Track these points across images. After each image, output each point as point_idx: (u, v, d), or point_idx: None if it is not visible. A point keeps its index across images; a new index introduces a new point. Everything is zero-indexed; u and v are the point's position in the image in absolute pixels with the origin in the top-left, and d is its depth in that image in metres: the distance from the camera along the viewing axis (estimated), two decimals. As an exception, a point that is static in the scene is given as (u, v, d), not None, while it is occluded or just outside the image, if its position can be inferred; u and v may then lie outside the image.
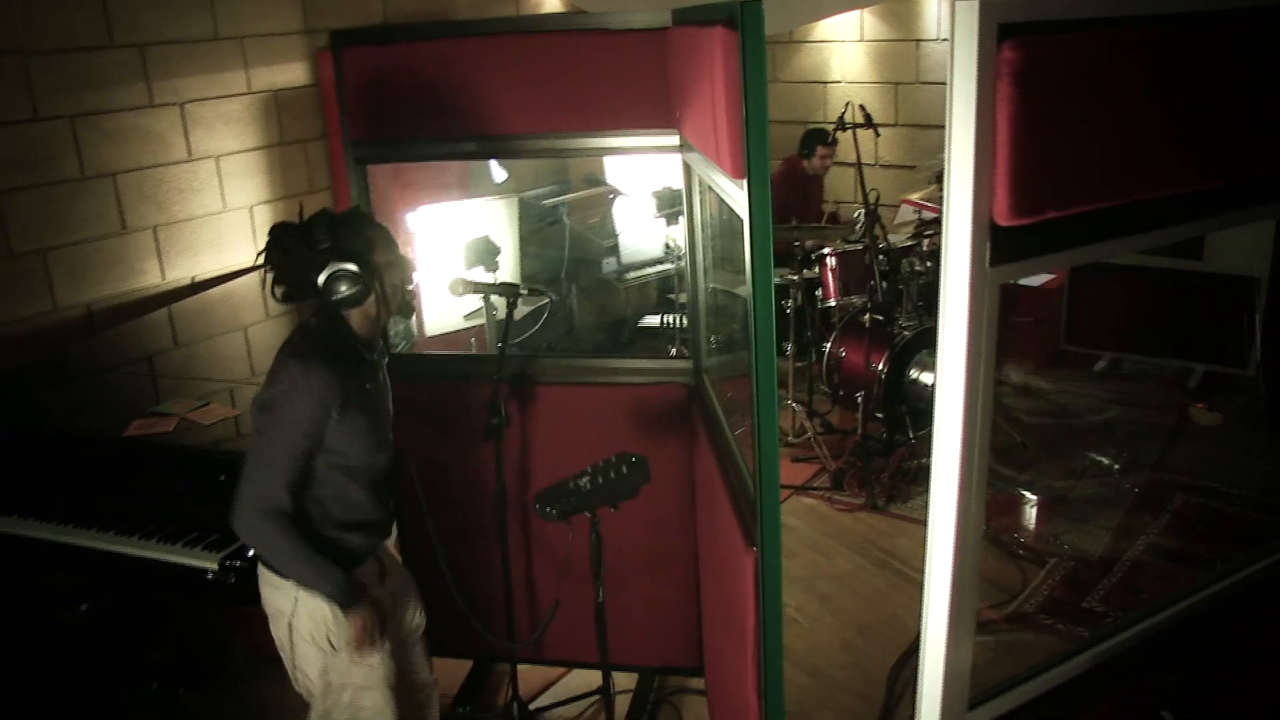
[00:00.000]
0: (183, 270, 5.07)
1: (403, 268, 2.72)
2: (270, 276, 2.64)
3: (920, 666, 1.76)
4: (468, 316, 5.08)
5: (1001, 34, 1.50)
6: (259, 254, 2.65)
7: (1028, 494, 4.55)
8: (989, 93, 1.51)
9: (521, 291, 3.14)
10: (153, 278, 4.96)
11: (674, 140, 3.21)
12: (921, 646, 1.75)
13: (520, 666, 3.64)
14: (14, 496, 3.49)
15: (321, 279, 2.57)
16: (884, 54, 7.74)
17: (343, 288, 2.57)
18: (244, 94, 5.23)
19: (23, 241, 4.45)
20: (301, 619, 2.70)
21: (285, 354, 2.60)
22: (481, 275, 4.25)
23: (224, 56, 5.14)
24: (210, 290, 5.03)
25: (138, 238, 4.89)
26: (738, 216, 3.62)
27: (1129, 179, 1.65)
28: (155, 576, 3.25)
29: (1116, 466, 5.06)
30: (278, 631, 2.78)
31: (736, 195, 2.22)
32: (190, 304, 4.86)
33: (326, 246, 2.58)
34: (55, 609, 3.49)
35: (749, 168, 2.08)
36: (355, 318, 2.67)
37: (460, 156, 3.79)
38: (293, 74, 5.44)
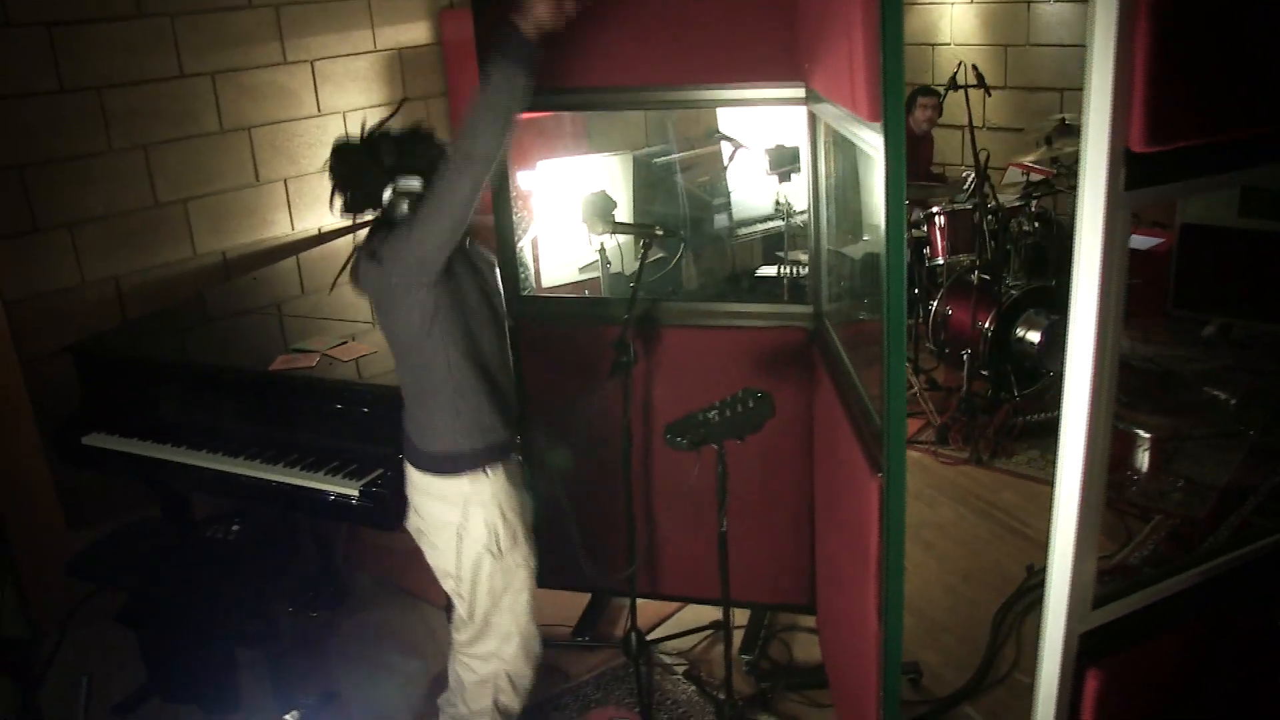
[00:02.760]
0: (310, 221, 5.32)
1: None
2: (335, 190, 2.74)
3: (1050, 564, 1.88)
4: (583, 269, 5.23)
5: (1141, -26, 1.60)
6: (324, 165, 2.75)
7: (1141, 432, 4.51)
8: (1129, 25, 1.61)
9: (657, 232, 3.26)
10: (283, 228, 5.21)
11: (800, 92, 3.31)
12: (1051, 545, 1.87)
13: (638, 601, 3.79)
14: (170, 425, 3.75)
15: (387, 195, 2.69)
16: (994, 15, 7.70)
17: (404, 206, 2.70)
18: (370, 52, 5.44)
19: (167, 191, 4.72)
20: (471, 527, 2.87)
21: (376, 252, 2.72)
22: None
23: (352, 16, 5.35)
24: (335, 240, 5.26)
25: (270, 189, 5.14)
26: (853, 176, 3.75)
27: (1259, 112, 1.74)
28: (302, 502, 3.47)
29: (1233, 401, 5.00)
30: (442, 540, 2.92)
31: (871, 139, 2.33)
32: (318, 253, 5.08)
33: (392, 163, 2.69)
34: (209, 526, 3.73)
35: (885, 109, 2.19)
36: None
37: (593, 106, 3.93)
38: (416, 33, 5.63)
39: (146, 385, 3.87)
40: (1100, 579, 1.98)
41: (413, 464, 2.95)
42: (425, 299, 2.72)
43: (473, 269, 2.85)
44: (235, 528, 3.68)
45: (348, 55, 5.34)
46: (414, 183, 2.70)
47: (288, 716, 2.26)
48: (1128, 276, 1.77)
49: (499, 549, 2.91)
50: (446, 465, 2.87)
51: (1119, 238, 1.68)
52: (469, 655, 3.10)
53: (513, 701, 3.16)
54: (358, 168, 2.71)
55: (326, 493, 3.40)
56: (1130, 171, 1.66)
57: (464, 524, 2.88)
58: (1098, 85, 1.64)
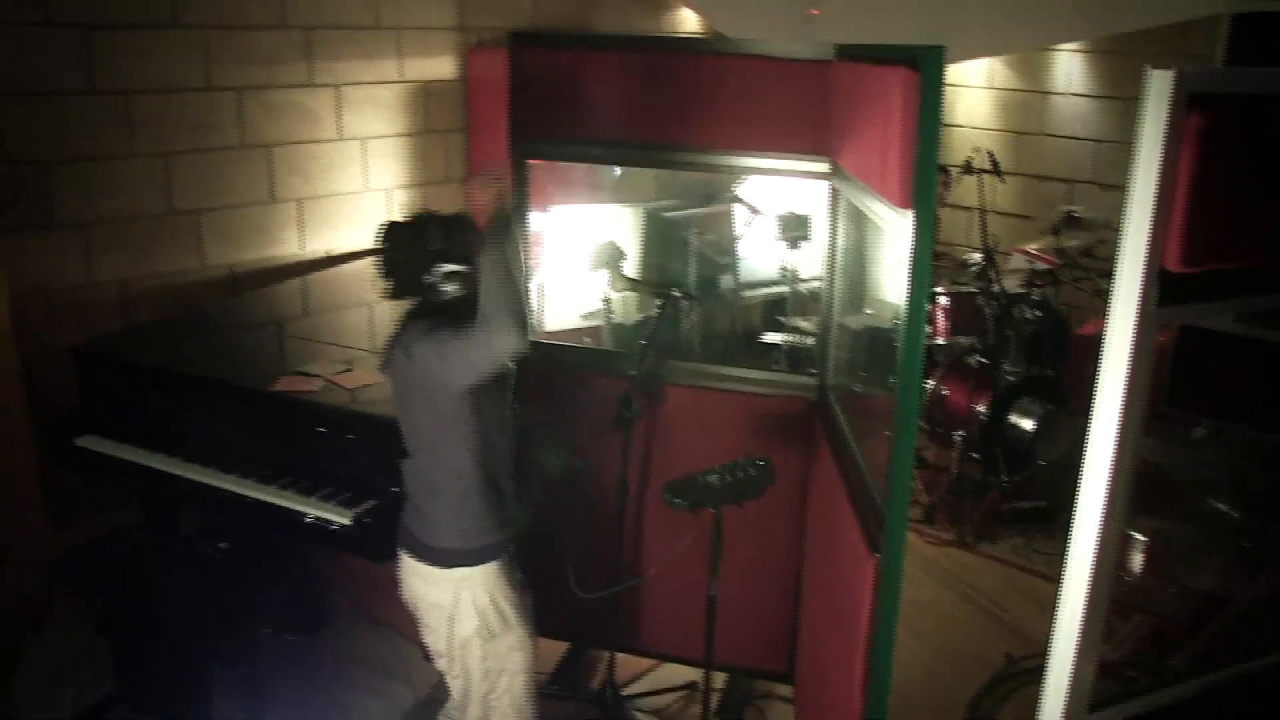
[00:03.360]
0: (319, 243, 5.33)
1: None
2: (382, 272, 2.81)
3: (1047, 665, 1.90)
4: (585, 317, 5.26)
5: (1190, 102, 1.65)
6: (379, 247, 2.80)
7: (1136, 535, 4.53)
8: (1174, 152, 1.65)
9: (675, 294, 3.29)
10: (292, 247, 5.22)
11: (825, 166, 3.35)
12: (1051, 646, 1.89)
13: (616, 656, 3.79)
14: (166, 436, 3.73)
15: (432, 279, 2.74)
16: (1010, 102, 7.81)
17: (450, 287, 2.75)
18: (395, 82, 5.48)
19: (183, 200, 4.73)
20: (461, 611, 2.87)
21: (426, 336, 2.71)
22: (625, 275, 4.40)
23: (381, 44, 5.40)
24: (343, 265, 5.28)
25: (282, 208, 5.15)
26: (866, 249, 3.80)
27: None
28: (292, 525, 3.45)
29: (1236, 514, 5.03)
30: (435, 623, 2.93)
31: (898, 223, 2.37)
32: (323, 275, 5.10)
33: (438, 248, 2.74)
34: (196, 540, 3.72)
35: (916, 198, 2.23)
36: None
37: (619, 161, 3.98)
38: (442, 67, 5.68)
39: (146, 393, 3.87)
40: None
41: (406, 548, 2.96)
42: (452, 405, 2.74)
43: (503, 380, 2.87)
44: (222, 545, 3.67)
45: (373, 83, 5.38)
46: (457, 268, 2.73)
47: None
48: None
49: (490, 632, 2.90)
50: (439, 558, 2.87)
51: (1146, 352, 1.72)
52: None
53: None
54: (407, 251, 2.75)
55: (316, 518, 3.39)
56: (1163, 290, 1.71)
57: (455, 607, 2.87)
58: (1139, 204, 1.68)
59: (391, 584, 3.07)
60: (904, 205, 2.30)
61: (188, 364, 3.99)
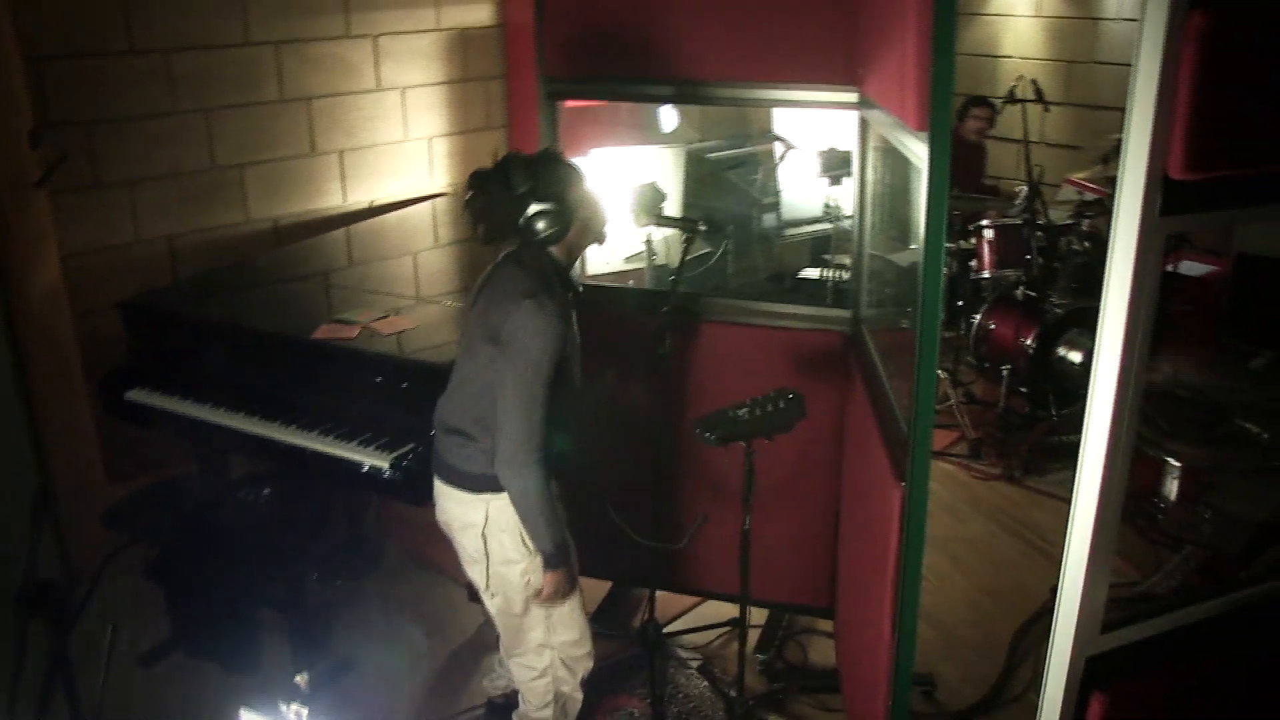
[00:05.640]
0: (362, 194, 5.37)
1: (595, 201, 2.91)
2: (474, 220, 2.82)
3: (1061, 586, 1.89)
4: (628, 260, 5.25)
5: (1192, 3, 1.60)
6: (466, 197, 2.81)
7: (1171, 460, 4.46)
8: (1174, 55, 1.61)
9: (700, 227, 3.27)
10: (335, 199, 5.27)
11: (853, 97, 3.31)
12: (1064, 566, 1.88)
13: (657, 593, 3.81)
14: (211, 386, 3.80)
15: (523, 220, 2.76)
16: (1060, 30, 7.63)
17: (543, 225, 2.76)
18: (433, 30, 5.48)
19: (225, 156, 4.78)
20: (495, 528, 2.89)
21: (510, 291, 2.76)
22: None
23: (418, -7, 5.40)
24: (386, 215, 5.32)
25: (325, 160, 5.19)
26: (902, 182, 3.75)
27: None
28: (332, 470, 3.51)
29: (1265, 435, 4.95)
30: (470, 543, 2.94)
31: (917, 149, 2.33)
32: (367, 226, 5.14)
33: (525, 189, 2.76)
34: (242, 488, 3.80)
35: (932, 119, 2.19)
36: (559, 251, 2.86)
37: (647, 98, 3.98)
38: (479, 14, 5.67)
39: (191, 345, 3.94)
40: (1122, 605, 1.99)
41: (439, 475, 2.99)
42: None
43: (574, 354, 2.90)
44: (267, 491, 3.74)
45: (411, 32, 5.38)
46: (547, 206, 2.76)
47: (298, 678, 2.31)
48: (1179, 303, 1.78)
49: (528, 549, 2.90)
50: (472, 483, 2.90)
51: (1151, 263, 1.68)
52: (520, 654, 3.11)
53: (575, 692, 3.18)
54: (494, 196, 2.77)
55: (357, 463, 3.44)
56: (1168, 198, 1.67)
57: (488, 525, 2.89)
58: (1140, 109, 1.64)
59: (439, 530, 3.12)
60: (920, 128, 2.27)
61: (230, 314, 4.07)
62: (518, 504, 2.79)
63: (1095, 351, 1.79)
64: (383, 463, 3.40)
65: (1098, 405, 1.77)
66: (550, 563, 2.86)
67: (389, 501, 4.42)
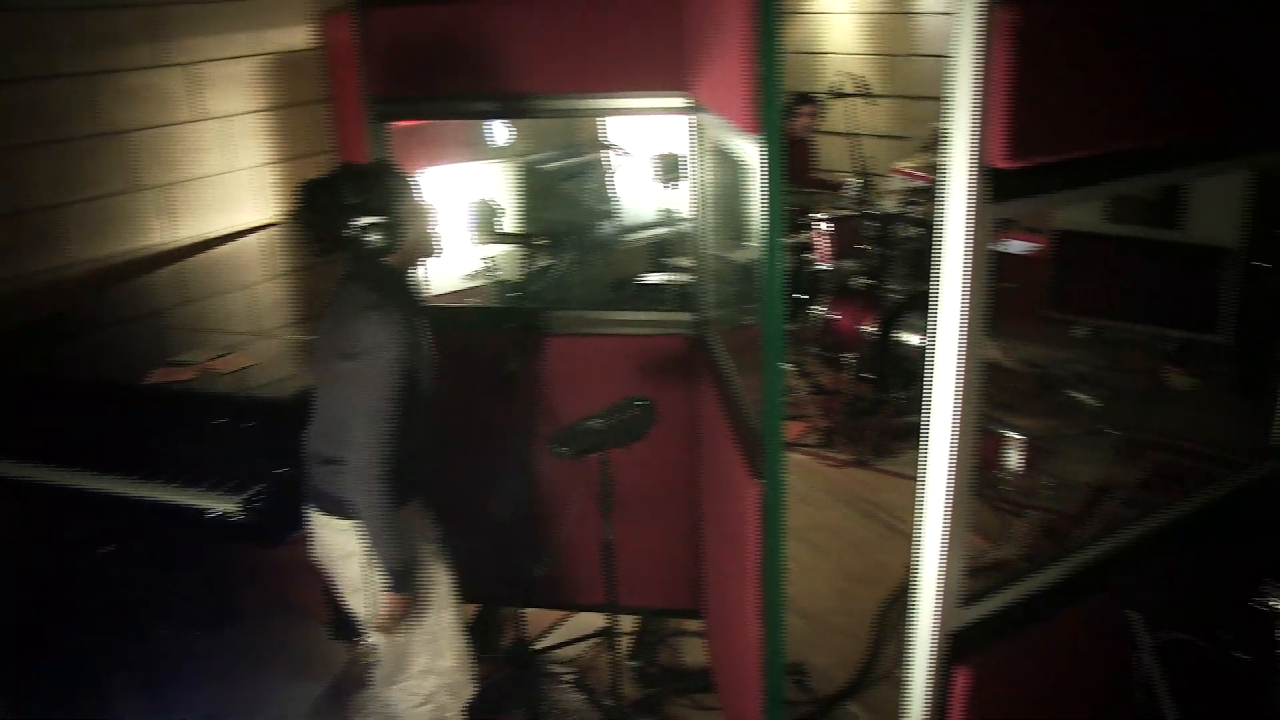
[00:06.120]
0: (191, 228, 5.18)
1: (426, 213, 2.87)
2: (303, 233, 2.77)
3: (917, 565, 1.95)
4: (466, 277, 5.20)
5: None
6: (295, 208, 2.76)
7: (1012, 434, 4.66)
8: (987, 50, 1.67)
9: (536, 241, 3.27)
10: (162, 235, 5.08)
11: (684, 102, 3.35)
12: (918, 546, 1.94)
13: (525, 611, 3.79)
14: (39, 444, 3.60)
15: (352, 232, 2.71)
16: (878, 25, 7.87)
17: (373, 238, 2.71)
18: (252, 54, 5.32)
19: (38, 197, 4.55)
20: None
21: (354, 309, 2.72)
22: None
23: (233, 19, 5.24)
24: (218, 249, 5.15)
25: (147, 195, 5.00)
26: (737, 183, 3.81)
27: (1112, 130, 1.83)
28: (178, 519, 3.35)
29: (1097, 404, 5.21)
30: (351, 571, 2.88)
31: (750, 150, 2.37)
32: (198, 261, 4.97)
33: (355, 202, 2.71)
34: (81, 549, 3.62)
35: (764, 122, 2.23)
36: (394, 262, 2.81)
37: (475, 114, 3.95)
38: (299, 36, 5.54)
39: (11, 400, 3.73)
40: (976, 575, 2.06)
41: (313, 504, 2.92)
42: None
43: (424, 365, 2.83)
44: (111, 548, 3.57)
45: (229, 58, 5.22)
46: (376, 219, 2.70)
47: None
48: (1003, 280, 1.85)
49: None
50: (345, 509, 2.82)
51: (981, 250, 1.75)
52: (403, 680, 3.05)
53: (458, 718, 3.14)
54: (323, 209, 2.72)
55: (205, 509, 3.31)
56: (994, 186, 1.73)
57: (367, 552, 2.82)
58: (961, 102, 1.70)
59: (303, 569, 3.02)
60: (753, 130, 2.30)
61: (54, 366, 3.87)
62: (365, 519, 2.73)
63: (929, 334, 1.85)
64: (233, 506, 3.28)
65: (939, 385, 1.84)
66: (396, 584, 2.79)
67: (242, 547, 4.28)
